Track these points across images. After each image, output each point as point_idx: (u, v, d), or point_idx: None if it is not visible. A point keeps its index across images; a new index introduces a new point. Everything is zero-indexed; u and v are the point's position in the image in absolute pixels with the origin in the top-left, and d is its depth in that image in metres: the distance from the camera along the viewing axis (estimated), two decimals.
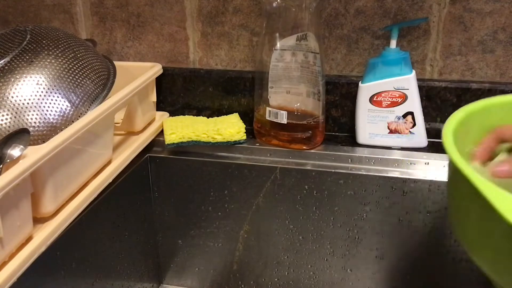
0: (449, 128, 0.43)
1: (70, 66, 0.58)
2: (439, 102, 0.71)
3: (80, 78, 0.59)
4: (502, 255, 0.38)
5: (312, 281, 0.73)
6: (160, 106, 0.80)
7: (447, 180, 0.46)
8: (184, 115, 0.78)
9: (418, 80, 0.67)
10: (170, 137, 0.70)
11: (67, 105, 0.56)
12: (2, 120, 0.52)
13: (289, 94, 0.69)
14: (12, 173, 0.43)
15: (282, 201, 0.70)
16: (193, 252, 0.77)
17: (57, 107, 0.55)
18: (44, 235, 0.48)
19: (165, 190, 0.74)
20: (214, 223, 0.74)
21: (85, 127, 0.53)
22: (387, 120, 0.68)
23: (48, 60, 0.57)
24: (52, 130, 0.54)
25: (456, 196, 0.43)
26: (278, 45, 0.68)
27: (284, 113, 0.68)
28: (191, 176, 0.72)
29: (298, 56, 0.67)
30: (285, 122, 0.68)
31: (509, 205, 0.33)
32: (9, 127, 0.52)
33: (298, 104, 0.69)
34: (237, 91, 0.78)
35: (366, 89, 0.68)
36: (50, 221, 0.50)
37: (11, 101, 0.53)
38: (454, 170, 0.41)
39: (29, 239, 0.48)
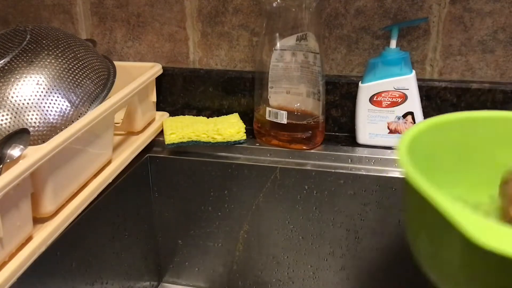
0: (403, 143, 0.43)
1: (70, 66, 0.58)
2: (439, 102, 0.71)
3: (80, 78, 0.59)
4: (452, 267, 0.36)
5: (312, 281, 0.73)
6: (160, 106, 0.80)
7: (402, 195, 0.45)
8: (184, 115, 0.78)
9: (418, 80, 0.67)
10: (170, 137, 0.70)
11: (67, 105, 0.56)
12: (2, 120, 0.52)
13: (289, 94, 0.69)
14: (12, 173, 0.43)
15: (282, 201, 0.70)
16: (193, 252, 0.77)
17: (57, 107, 0.55)
18: (44, 235, 0.48)
19: (165, 190, 0.74)
20: (214, 223, 0.74)
21: (85, 127, 0.53)
22: (387, 120, 0.68)
23: (48, 60, 0.57)
24: (52, 130, 0.54)
25: (409, 207, 0.42)
26: (278, 45, 0.68)
27: (284, 113, 0.68)
28: (191, 176, 0.72)
29: (298, 56, 0.67)
30: (285, 122, 0.68)
31: (464, 214, 0.31)
32: (9, 127, 0.52)
33: (298, 104, 0.69)
34: (237, 91, 0.78)
35: (366, 89, 0.68)
36: (50, 221, 0.50)
37: (11, 101, 0.53)
38: (406, 182, 0.39)
39: (29, 239, 0.48)
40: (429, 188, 0.34)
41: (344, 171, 0.67)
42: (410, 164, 0.38)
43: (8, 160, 0.46)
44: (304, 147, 0.70)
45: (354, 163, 0.68)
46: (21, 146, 0.47)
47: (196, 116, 0.79)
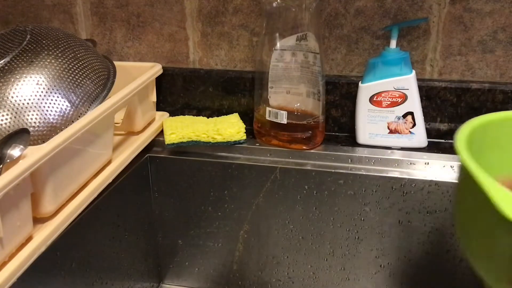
0: (463, 133, 0.43)
1: (70, 66, 0.58)
2: (439, 102, 0.71)
3: (80, 78, 0.59)
4: (504, 259, 0.37)
5: (312, 281, 0.73)
6: (160, 106, 0.80)
7: (457, 187, 0.45)
8: (184, 115, 0.78)
9: (418, 80, 0.67)
10: (170, 137, 0.70)
11: (67, 105, 0.56)
12: (2, 120, 0.52)
13: (289, 94, 0.69)
14: (12, 173, 0.43)
15: (282, 201, 0.70)
16: (193, 252, 0.77)
17: (57, 107, 0.55)
18: (44, 235, 0.48)
19: (165, 190, 0.74)
20: (214, 223, 0.74)
21: (85, 127, 0.53)
22: (387, 120, 0.68)
23: (48, 60, 0.57)
24: (52, 130, 0.54)
25: (465, 200, 0.43)
26: (278, 45, 0.68)
27: (284, 113, 0.68)
28: (191, 176, 0.72)
29: (298, 56, 0.67)
30: (285, 122, 0.68)
31: None
32: (9, 127, 0.52)
33: (298, 104, 0.69)
34: (237, 91, 0.78)
35: (366, 89, 0.68)
36: (50, 221, 0.50)
37: (11, 101, 0.53)
38: (464, 174, 0.41)
39: (29, 239, 0.48)
40: (475, 168, 0.37)
41: (344, 171, 0.67)
42: (465, 150, 0.40)
43: (8, 160, 0.46)
44: (304, 147, 0.70)
45: (354, 163, 0.68)
46: (21, 146, 0.47)
47: (196, 116, 0.79)
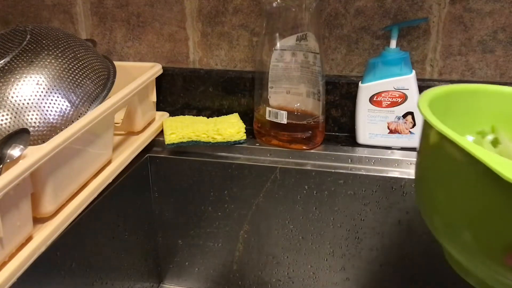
0: (427, 95, 0.45)
1: (70, 66, 0.58)
2: None
3: (80, 78, 0.59)
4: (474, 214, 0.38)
5: (312, 281, 0.73)
6: (160, 106, 0.80)
7: (418, 151, 0.46)
8: (184, 115, 0.78)
9: (418, 80, 0.67)
10: (170, 137, 0.70)
11: (67, 105, 0.56)
12: (2, 120, 0.52)
13: (289, 94, 0.69)
14: (12, 173, 0.43)
15: (282, 201, 0.70)
16: (193, 252, 0.77)
17: (57, 107, 0.55)
18: (44, 235, 0.48)
19: (165, 190, 0.74)
20: (214, 223, 0.74)
21: (85, 127, 0.53)
22: (387, 120, 0.68)
23: (48, 60, 0.57)
24: (52, 130, 0.54)
25: (426, 155, 0.44)
26: (278, 45, 0.68)
27: (284, 113, 0.68)
28: (191, 176, 0.72)
29: (298, 56, 0.67)
30: (285, 122, 0.68)
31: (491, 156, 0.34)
32: (9, 127, 0.52)
33: (298, 104, 0.69)
34: (237, 91, 0.78)
35: (366, 89, 0.68)
36: (50, 221, 0.50)
37: (11, 101, 0.53)
38: (426, 127, 0.43)
39: (29, 239, 0.48)
40: (453, 133, 0.37)
41: (344, 171, 0.67)
42: (429, 111, 0.42)
43: (8, 160, 0.46)
44: (304, 147, 0.70)
45: (354, 163, 0.68)
46: (21, 146, 0.47)
47: (196, 116, 0.79)
